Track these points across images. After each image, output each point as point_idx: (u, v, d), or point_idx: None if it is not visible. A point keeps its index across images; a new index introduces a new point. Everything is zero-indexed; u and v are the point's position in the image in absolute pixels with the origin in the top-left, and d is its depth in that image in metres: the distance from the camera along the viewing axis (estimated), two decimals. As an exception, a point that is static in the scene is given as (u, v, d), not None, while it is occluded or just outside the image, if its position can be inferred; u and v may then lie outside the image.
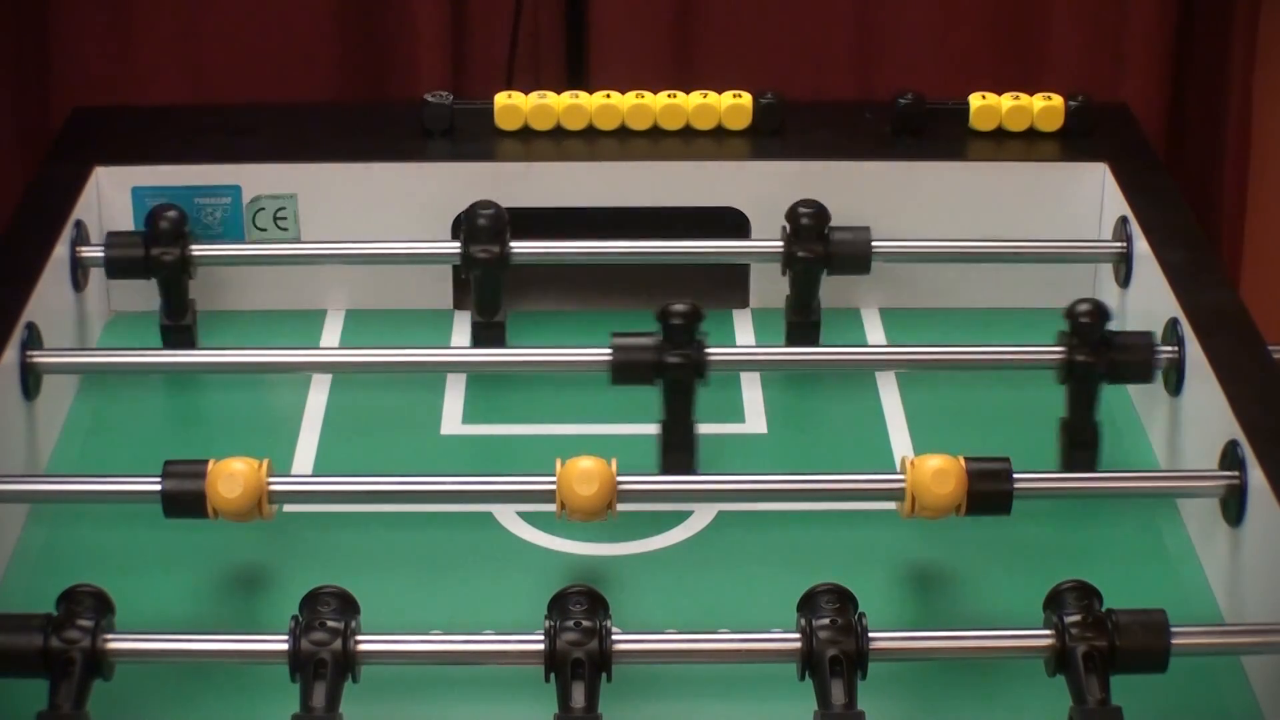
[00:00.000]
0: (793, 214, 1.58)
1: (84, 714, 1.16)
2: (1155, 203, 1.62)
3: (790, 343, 1.60)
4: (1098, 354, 1.43)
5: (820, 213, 1.58)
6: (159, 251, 1.57)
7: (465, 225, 1.57)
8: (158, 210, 1.58)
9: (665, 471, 1.43)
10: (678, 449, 1.44)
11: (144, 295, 1.66)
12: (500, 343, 1.59)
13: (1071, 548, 1.39)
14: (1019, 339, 1.50)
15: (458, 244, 1.57)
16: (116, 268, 1.58)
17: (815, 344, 1.59)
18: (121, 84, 2.03)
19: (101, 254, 1.60)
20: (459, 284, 1.69)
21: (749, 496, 1.40)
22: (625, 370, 1.43)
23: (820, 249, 1.58)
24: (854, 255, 1.58)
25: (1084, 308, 1.44)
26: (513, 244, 1.58)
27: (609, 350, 1.43)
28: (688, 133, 1.71)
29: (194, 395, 1.57)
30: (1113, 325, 1.62)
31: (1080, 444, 1.45)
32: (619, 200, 1.66)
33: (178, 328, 1.59)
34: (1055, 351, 1.44)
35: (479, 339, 1.59)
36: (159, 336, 1.60)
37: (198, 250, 1.59)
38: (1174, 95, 2.06)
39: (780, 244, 1.58)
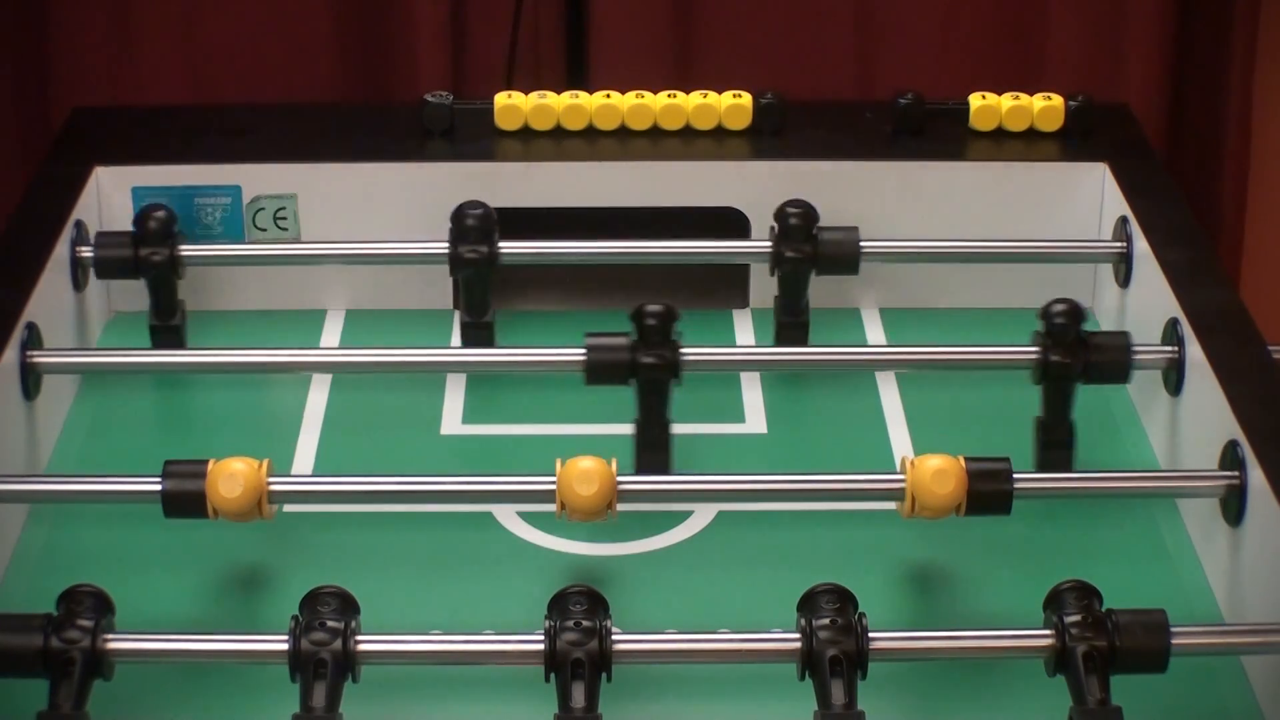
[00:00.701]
0: (781, 214, 1.58)
1: (84, 714, 1.16)
2: (1155, 203, 1.62)
3: (780, 343, 1.60)
4: (1074, 354, 1.43)
5: (808, 213, 1.58)
6: (148, 252, 1.57)
7: (453, 226, 1.57)
8: (146, 210, 1.58)
9: (640, 471, 1.42)
10: (653, 448, 1.43)
11: (144, 295, 1.66)
12: (489, 343, 1.59)
13: (1071, 548, 1.39)
14: (1019, 339, 1.49)
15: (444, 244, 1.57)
16: (105, 268, 1.58)
17: (804, 344, 1.59)
18: (121, 84, 2.03)
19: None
20: (459, 284, 1.70)
21: (749, 496, 1.40)
22: (599, 371, 1.43)
23: (809, 249, 1.58)
24: (842, 255, 1.58)
25: (1059, 308, 1.44)
26: (516, 244, 1.58)
27: (583, 350, 1.43)
28: (688, 133, 1.71)
29: (194, 395, 1.57)
30: (1112, 325, 1.63)
31: (1055, 444, 1.44)
32: (619, 200, 1.66)
33: (166, 328, 1.59)
34: (1030, 352, 1.44)
35: (468, 339, 1.59)
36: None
37: (191, 250, 1.59)
38: (1174, 95, 2.06)
39: (769, 244, 1.58)
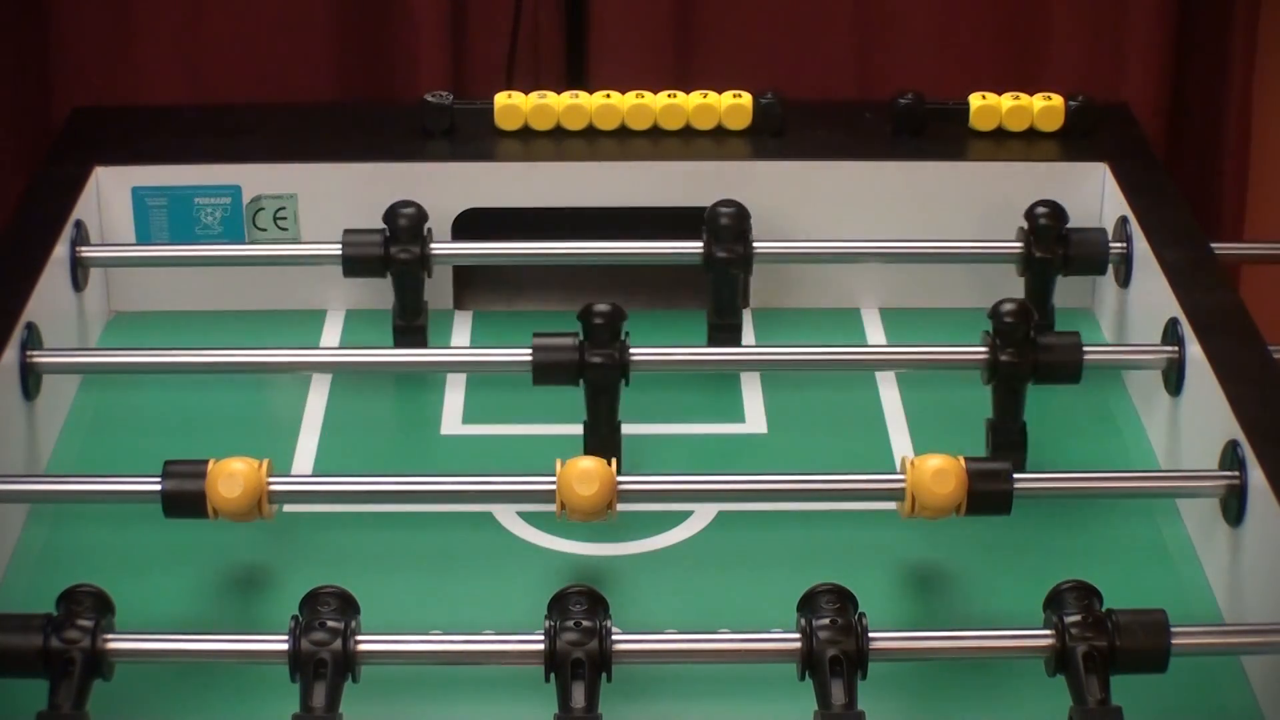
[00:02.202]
0: (1030, 214, 1.58)
1: (84, 714, 1.16)
2: (1155, 203, 1.62)
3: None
4: (1023, 355, 1.42)
5: (1057, 212, 1.58)
6: (397, 250, 1.56)
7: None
8: (395, 207, 1.57)
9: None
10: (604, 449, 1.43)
11: (144, 295, 1.67)
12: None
13: (1071, 548, 1.39)
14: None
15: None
16: (354, 266, 1.57)
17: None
18: (121, 84, 2.03)
19: (101, 254, 1.60)
20: (459, 284, 1.70)
21: (749, 496, 1.40)
22: (546, 371, 1.42)
23: (1060, 250, 1.57)
24: (1091, 256, 1.58)
25: (1008, 307, 1.43)
26: (516, 245, 1.58)
27: (529, 350, 1.43)
28: (688, 133, 1.71)
29: (194, 395, 1.57)
30: (1112, 325, 1.63)
31: (1008, 445, 1.44)
32: (619, 200, 1.66)
33: (411, 328, 1.58)
34: (979, 352, 1.43)
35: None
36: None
37: (198, 250, 1.59)
38: (1174, 95, 2.06)
39: (1019, 245, 1.58)
